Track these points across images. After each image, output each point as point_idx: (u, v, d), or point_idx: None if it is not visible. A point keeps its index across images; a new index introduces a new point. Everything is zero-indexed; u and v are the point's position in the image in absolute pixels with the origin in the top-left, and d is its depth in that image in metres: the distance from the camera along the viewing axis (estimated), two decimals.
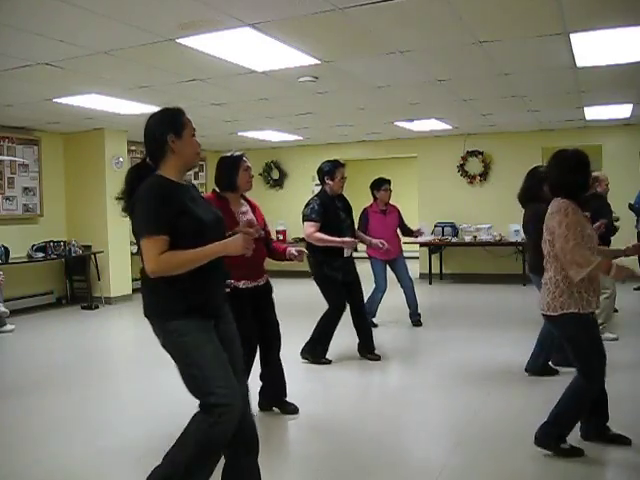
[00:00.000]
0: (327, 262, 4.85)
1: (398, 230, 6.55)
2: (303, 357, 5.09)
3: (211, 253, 2.34)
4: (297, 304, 7.92)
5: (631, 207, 8.39)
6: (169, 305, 2.35)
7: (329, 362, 5.07)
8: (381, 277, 6.42)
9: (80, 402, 4.28)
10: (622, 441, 3.19)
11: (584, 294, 2.97)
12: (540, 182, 4.07)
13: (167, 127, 2.40)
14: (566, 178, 3.08)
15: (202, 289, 2.38)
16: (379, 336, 6.20)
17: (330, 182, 4.91)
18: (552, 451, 3.07)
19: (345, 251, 4.88)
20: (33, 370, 5.15)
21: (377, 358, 5.17)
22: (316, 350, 5.05)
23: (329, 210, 4.84)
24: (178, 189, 2.40)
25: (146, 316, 2.41)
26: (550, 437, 3.07)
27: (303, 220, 4.84)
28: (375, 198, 6.54)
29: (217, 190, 3.71)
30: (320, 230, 4.76)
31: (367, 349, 5.21)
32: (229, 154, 3.71)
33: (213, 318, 2.42)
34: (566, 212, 2.96)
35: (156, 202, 2.31)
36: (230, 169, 3.65)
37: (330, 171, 4.92)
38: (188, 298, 2.34)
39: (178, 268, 2.29)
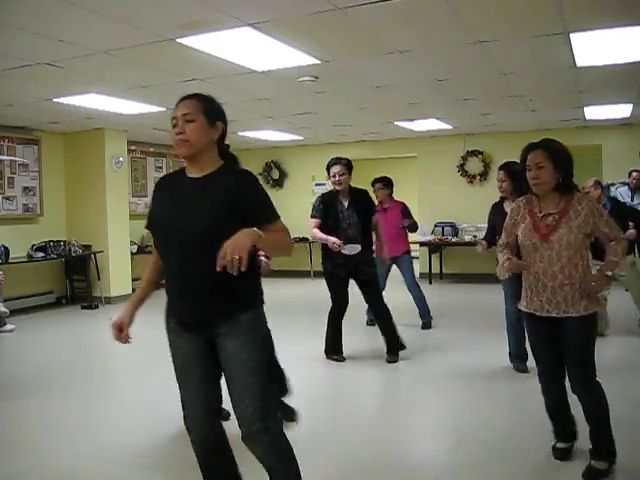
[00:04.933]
0: (329, 259, 4.92)
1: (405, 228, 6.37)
2: (329, 358, 5.11)
3: None
4: (300, 304, 7.94)
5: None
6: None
7: (343, 360, 5.07)
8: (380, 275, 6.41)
9: (81, 401, 4.28)
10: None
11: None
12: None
13: None
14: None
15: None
16: (380, 336, 6.21)
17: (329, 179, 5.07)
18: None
19: (347, 248, 4.78)
20: (33, 370, 5.15)
21: (393, 360, 5.02)
22: (328, 346, 5.11)
23: (330, 207, 4.93)
24: None
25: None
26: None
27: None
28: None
29: None
30: (321, 227, 4.88)
31: (387, 349, 5.07)
32: None
33: None
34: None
35: None
36: None
37: (327, 169, 5.06)
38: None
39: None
